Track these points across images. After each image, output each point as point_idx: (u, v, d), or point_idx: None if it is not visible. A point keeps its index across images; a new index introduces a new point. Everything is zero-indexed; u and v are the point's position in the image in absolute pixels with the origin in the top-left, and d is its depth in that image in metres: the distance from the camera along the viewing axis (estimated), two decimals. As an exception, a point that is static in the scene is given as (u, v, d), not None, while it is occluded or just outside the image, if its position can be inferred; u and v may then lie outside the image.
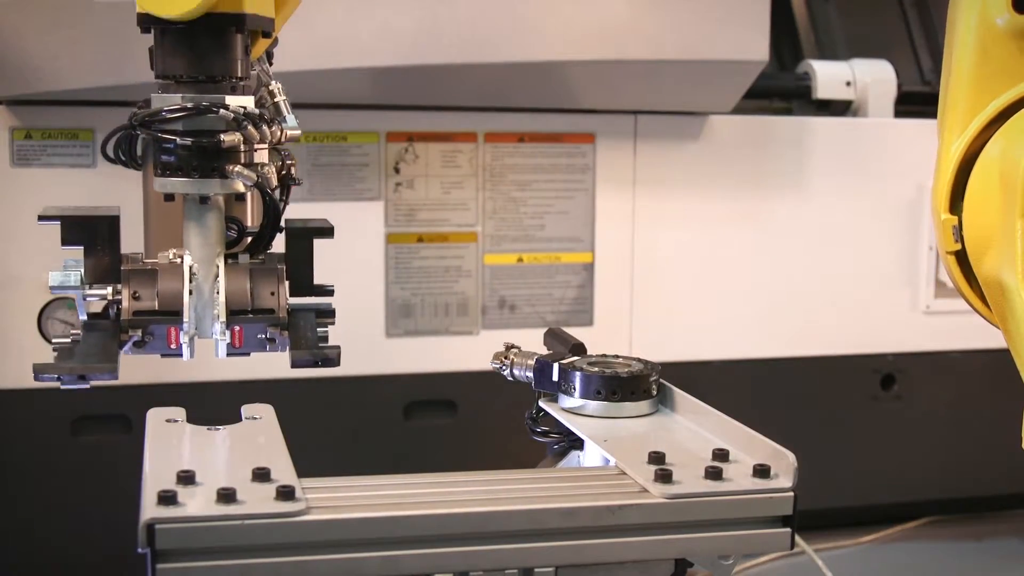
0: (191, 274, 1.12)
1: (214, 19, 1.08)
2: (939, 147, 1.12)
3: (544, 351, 1.25)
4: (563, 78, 1.84)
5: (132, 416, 1.77)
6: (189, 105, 1.09)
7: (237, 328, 1.14)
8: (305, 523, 0.87)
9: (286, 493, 0.88)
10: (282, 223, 1.20)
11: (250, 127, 1.10)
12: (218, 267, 1.13)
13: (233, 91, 1.13)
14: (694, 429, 1.12)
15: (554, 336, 1.28)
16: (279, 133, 1.17)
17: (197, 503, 0.87)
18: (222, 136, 1.08)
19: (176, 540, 0.85)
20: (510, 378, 1.24)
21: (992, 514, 2.30)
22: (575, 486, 0.98)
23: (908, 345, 2.15)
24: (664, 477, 0.95)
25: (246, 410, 1.13)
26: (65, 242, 1.16)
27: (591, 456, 1.12)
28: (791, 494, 0.95)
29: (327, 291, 1.23)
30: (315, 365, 1.14)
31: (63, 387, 1.11)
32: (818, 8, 2.39)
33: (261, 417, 1.12)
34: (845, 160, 2.08)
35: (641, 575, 0.97)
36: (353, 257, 1.89)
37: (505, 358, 1.24)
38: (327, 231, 1.21)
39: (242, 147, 1.10)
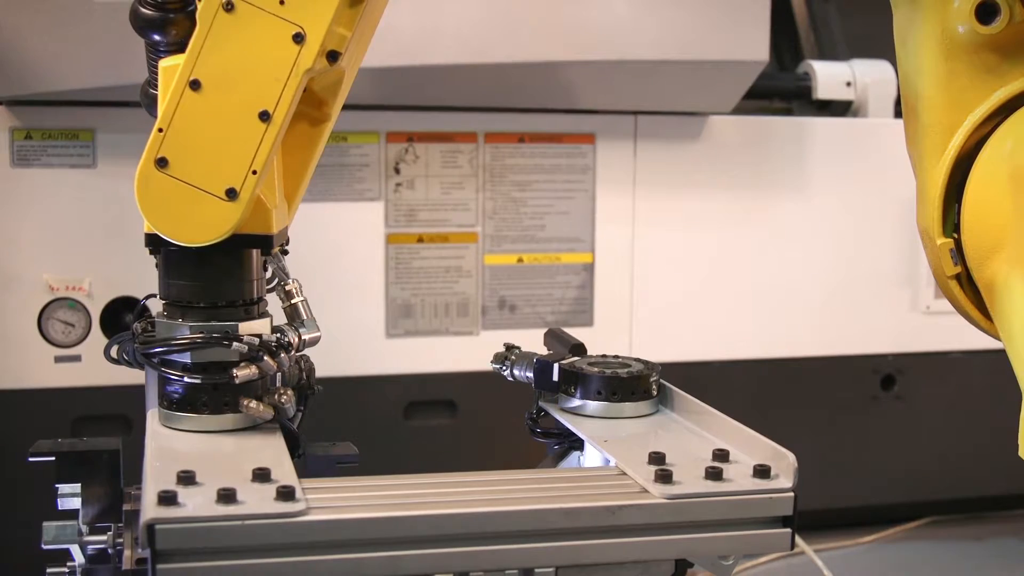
0: None
1: (237, 240, 0.99)
2: (918, 171, 1.10)
3: (544, 351, 1.25)
4: (563, 78, 1.84)
5: (132, 416, 1.77)
6: (199, 339, 1.00)
7: None
8: (305, 523, 0.87)
9: (286, 493, 0.88)
10: (301, 449, 1.09)
11: (266, 358, 1.01)
12: None
13: (247, 315, 1.04)
14: (694, 429, 1.12)
15: (554, 336, 1.28)
16: (297, 341, 1.08)
17: (197, 503, 0.87)
18: (235, 372, 0.99)
19: (176, 540, 0.84)
20: (510, 378, 1.24)
21: (992, 514, 2.30)
22: (575, 486, 0.98)
23: (908, 345, 2.14)
24: (664, 477, 0.95)
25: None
26: (61, 480, 1.07)
27: (591, 456, 1.12)
28: (791, 494, 0.95)
29: None
30: None
31: None
32: (818, 8, 2.38)
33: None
34: (845, 160, 2.08)
35: (641, 575, 0.97)
36: (353, 257, 1.89)
37: (505, 359, 1.24)
38: (351, 458, 1.10)
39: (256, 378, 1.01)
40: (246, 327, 1.03)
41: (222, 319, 1.03)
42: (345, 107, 1.83)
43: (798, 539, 0.99)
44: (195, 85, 0.95)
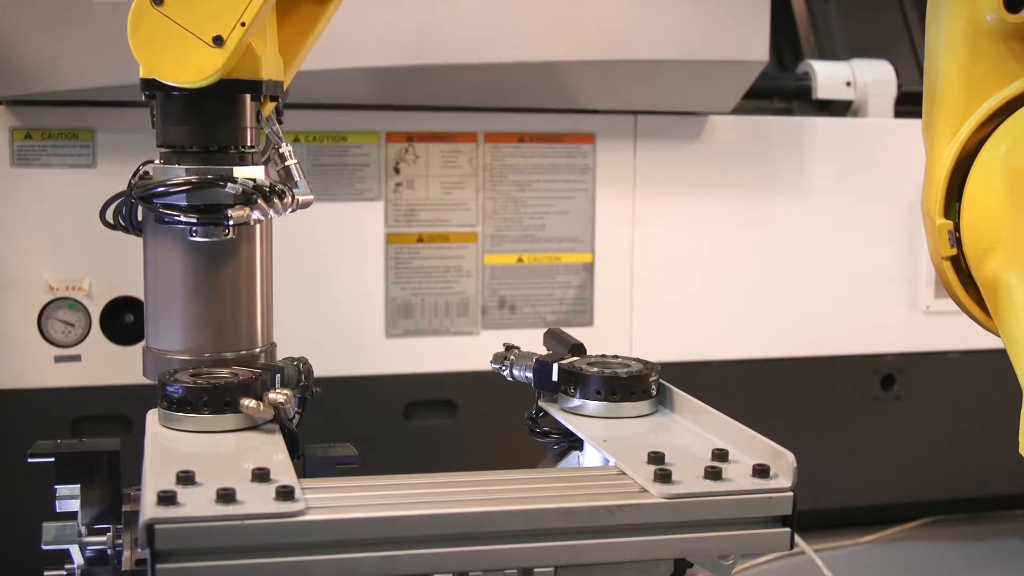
0: None
1: (227, 85, 1.02)
2: (928, 152, 1.11)
3: (544, 351, 1.25)
4: (563, 78, 1.84)
5: (132, 416, 1.77)
6: (193, 179, 1.03)
7: None
8: (304, 523, 0.87)
9: (285, 493, 0.88)
10: (301, 450, 1.10)
11: (260, 200, 1.04)
12: None
13: (241, 161, 1.07)
14: (694, 429, 1.12)
15: (554, 336, 1.28)
16: (290, 200, 1.11)
17: (196, 503, 0.87)
18: (229, 212, 1.03)
19: (176, 540, 0.84)
20: (510, 378, 1.24)
21: (992, 514, 2.30)
22: (574, 486, 0.98)
23: (908, 345, 2.14)
24: (663, 477, 0.95)
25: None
26: (60, 481, 1.07)
27: (591, 456, 1.12)
28: (790, 494, 0.95)
29: None
30: None
31: None
32: (818, 8, 2.39)
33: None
34: (845, 160, 2.08)
35: (641, 575, 0.97)
36: (353, 257, 1.89)
37: (505, 359, 1.24)
38: (351, 459, 1.11)
39: (258, 381, 1.03)
40: (240, 171, 1.06)
41: (217, 163, 1.06)
42: (345, 107, 1.84)
43: (798, 539, 0.99)
44: None
